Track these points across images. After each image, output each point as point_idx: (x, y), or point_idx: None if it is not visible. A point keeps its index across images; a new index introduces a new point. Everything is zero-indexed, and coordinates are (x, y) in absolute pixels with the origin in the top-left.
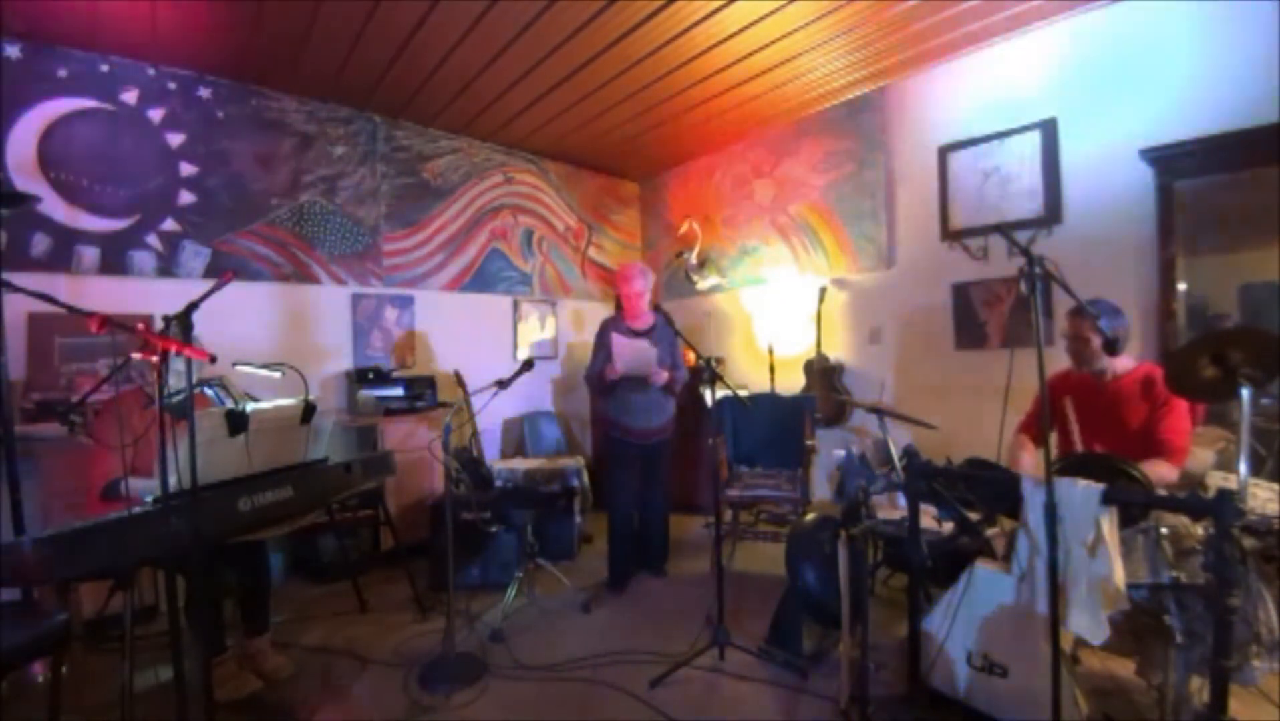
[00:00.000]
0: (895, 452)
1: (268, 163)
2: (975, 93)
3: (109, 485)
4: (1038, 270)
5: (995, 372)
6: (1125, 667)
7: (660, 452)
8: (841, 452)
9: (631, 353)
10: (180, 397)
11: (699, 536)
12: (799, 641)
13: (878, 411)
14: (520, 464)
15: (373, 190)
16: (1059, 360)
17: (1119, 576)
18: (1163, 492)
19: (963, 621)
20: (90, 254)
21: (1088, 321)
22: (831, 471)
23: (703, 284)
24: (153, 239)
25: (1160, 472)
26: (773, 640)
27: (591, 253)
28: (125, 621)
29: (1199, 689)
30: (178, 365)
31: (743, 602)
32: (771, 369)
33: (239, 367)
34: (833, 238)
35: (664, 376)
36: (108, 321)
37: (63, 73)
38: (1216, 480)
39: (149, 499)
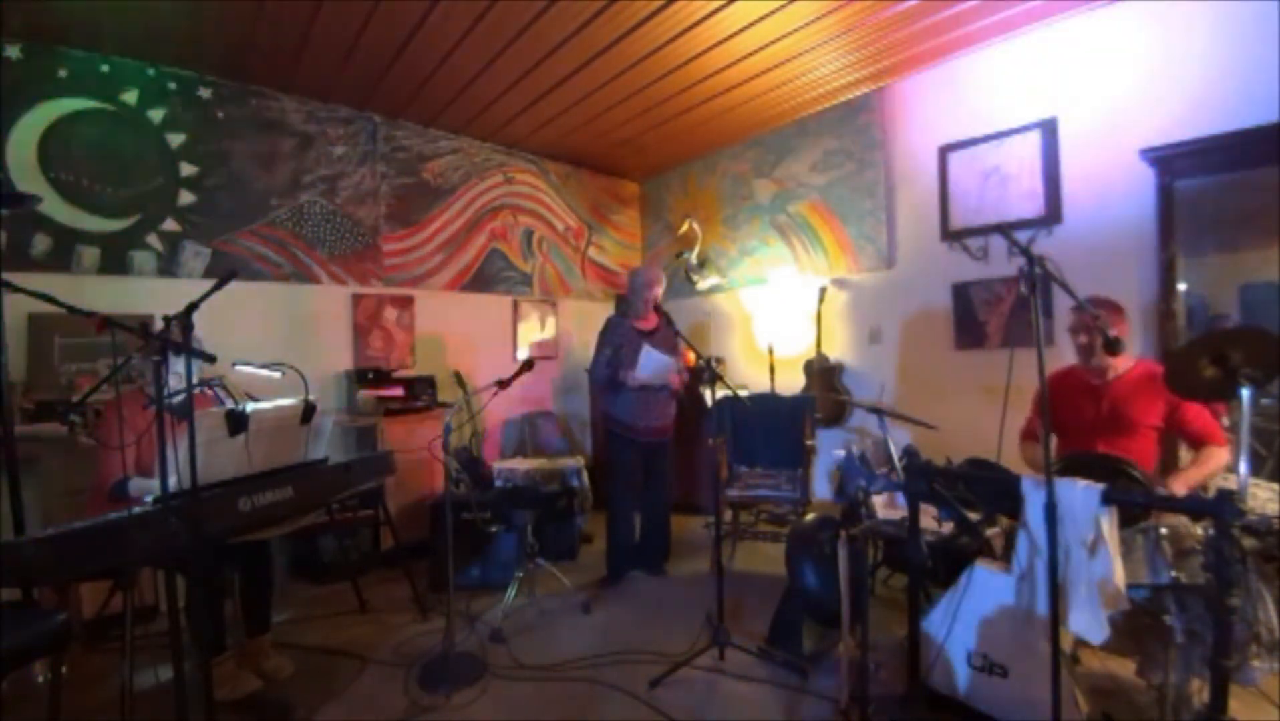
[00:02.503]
0: (895, 452)
1: (268, 163)
2: (975, 93)
3: (118, 484)
4: (1038, 270)
5: (995, 372)
6: (1125, 667)
7: (662, 451)
8: (841, 453)
9: (656, 365)
10: (180, 398)
11: (699, 536)
12: (799, 641)
13: (878, 411)
14: (520, 464)
15: (373, 190)
16: (1059, 359)
17: (1119, 576)
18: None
19: (963, 621)
20: (90, 254)
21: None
22: (831, 471)
23: (703, 284)
24: (153, 239)
25: (1220, 457)
26: (773, 640)
27: (591, 253)
28: (125, 621)
29: (1199, 689)
30: (177, 366)
31: (743, 602)
32: (771, 369)
33: (239, 367)
34: (833, 238)
35: (678, 381)
36: (108, 321)
37: (63, 73)
38: (1217, 480)
39: (149, 498)
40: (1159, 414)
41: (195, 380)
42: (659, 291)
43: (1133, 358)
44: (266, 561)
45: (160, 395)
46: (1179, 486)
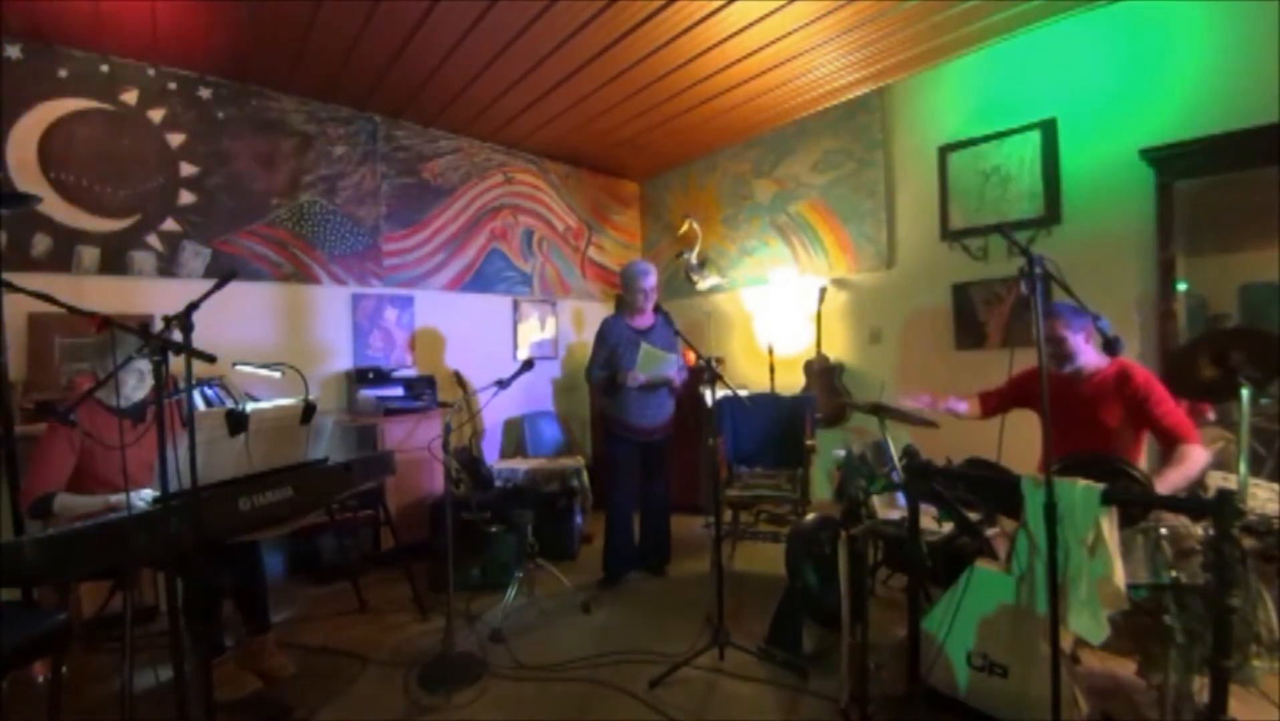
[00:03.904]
0: (895, 452)
1: (268, 163)
2: (975, 93)
3: (38, 501)
4: (1038, 270)
5: (995, 372)
6: (1125, 667)
7: (661, 450)
8: (841, 452)
9: (655, 362)
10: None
11: (699, 536)
12: (799, 641)
13: (878, 411)
14: (520, 464)
15: (373, 190)
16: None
17: (1119, 576)
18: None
19: (963, 621)
20: (90, 254)
21: (1060, 321)
22: (831, 471)
23: (703, 284)
24: (153, 239)
25: (1197, 456)
26: (773, 640)
27: (591, 253)
28: (125, 621)
29: (1199, 688)
30: (139, 364)
31: (743, 602)
32: (771, 369)
33: (239, 367)
34: (833, 238)
35: (678, 380)
36: (108, 321)
37: (63, 73)
38: (1216, 480)
39: (145, 501)
40: (1128, 414)
41: (193, 381)
42: (654, 281)
43: (1107, 358)
44: (258, 561)
45: (160, 396)
46: (1161, 489)
